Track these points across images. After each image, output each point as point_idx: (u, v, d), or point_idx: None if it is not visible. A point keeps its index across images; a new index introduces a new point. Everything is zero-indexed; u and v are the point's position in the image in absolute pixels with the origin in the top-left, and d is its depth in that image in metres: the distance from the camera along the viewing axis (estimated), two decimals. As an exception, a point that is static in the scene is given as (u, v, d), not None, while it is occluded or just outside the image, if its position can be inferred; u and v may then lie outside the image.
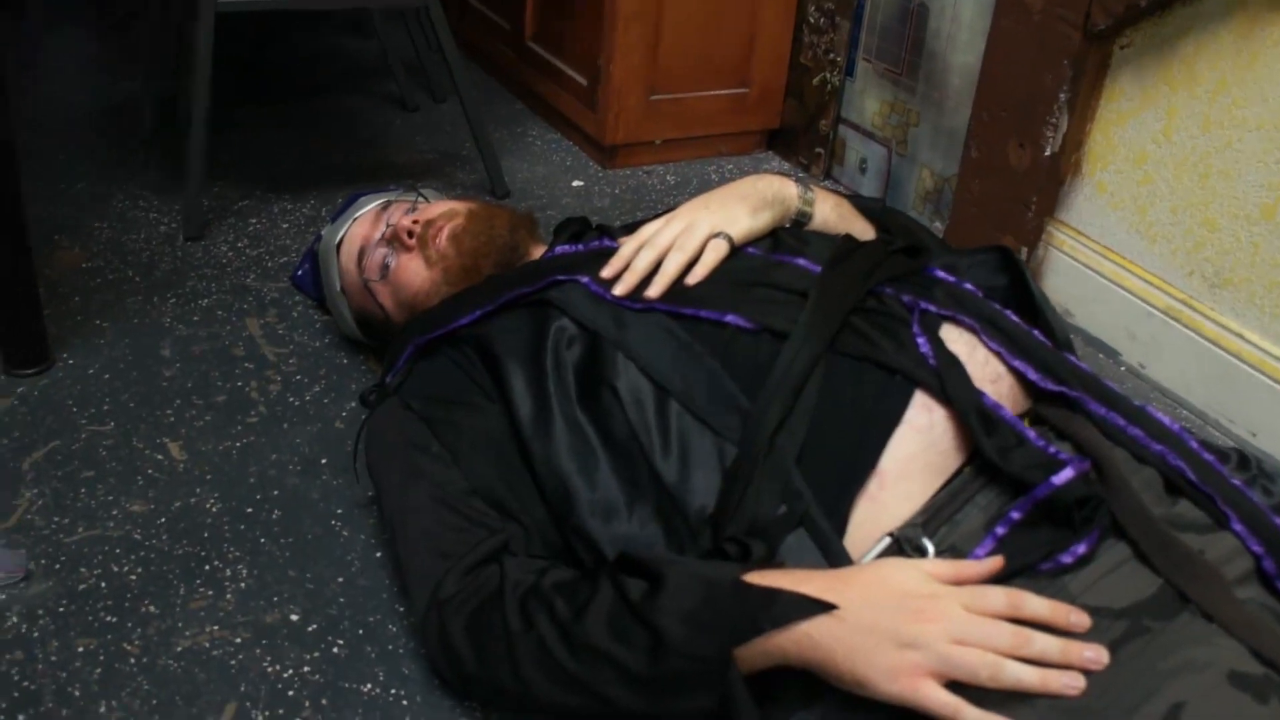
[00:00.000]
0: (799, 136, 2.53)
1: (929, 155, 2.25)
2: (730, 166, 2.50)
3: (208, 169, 1.98)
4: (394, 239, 1.45)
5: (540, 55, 2.57)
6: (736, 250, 1.28)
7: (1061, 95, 1.91)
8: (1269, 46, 1.64)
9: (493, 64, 2.83)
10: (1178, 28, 1.78)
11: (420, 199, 1.55)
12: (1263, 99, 1.66)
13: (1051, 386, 1.13)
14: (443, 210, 1.47)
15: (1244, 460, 1.18)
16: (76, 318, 1.73)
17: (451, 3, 2.93)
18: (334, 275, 1.58)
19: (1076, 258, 1.99)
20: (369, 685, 1.16)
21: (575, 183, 2.35)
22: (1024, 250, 2.03)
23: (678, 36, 2.34)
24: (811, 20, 2.44)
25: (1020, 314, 1.28)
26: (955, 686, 0.92)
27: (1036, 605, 0.94)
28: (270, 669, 1.18)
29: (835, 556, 1.03)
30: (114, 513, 1.37)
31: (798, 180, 1.38)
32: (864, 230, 1.41)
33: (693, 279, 1.24)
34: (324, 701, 1.14)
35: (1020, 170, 2.01)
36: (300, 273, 1.83)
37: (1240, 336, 1.74)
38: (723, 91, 2.45)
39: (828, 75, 2.42)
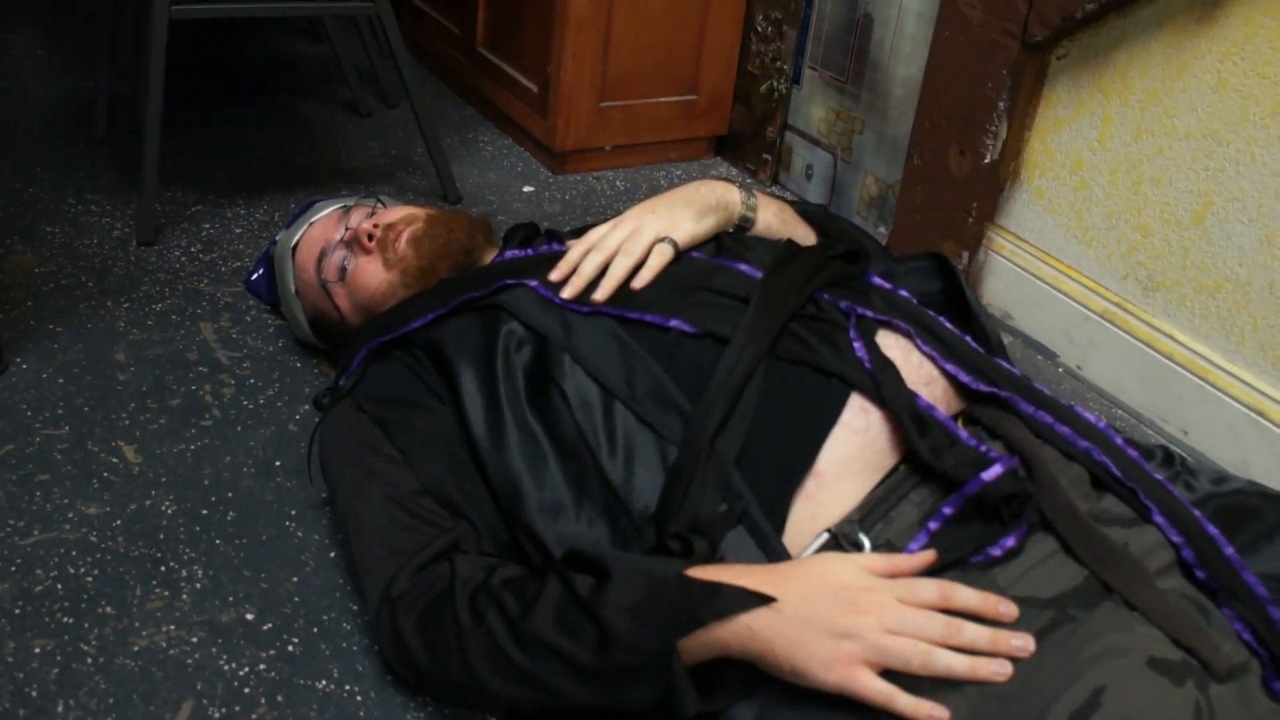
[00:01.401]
0: (746, 142, 2.58)
1: (873, 162, 2.30)
2: (679, 172, 2.54)
3: (160, 173, 1.99)
4: (354, 241, 1.48)
5: (491, 61, 2.60)
6: (681, 254, 1.32)
7: (1000, 104, 1.97)
8: (1197, 57, 1.70)
9: (445, 70, 2.85)
10: (1111, 39, 1.83)
11: (379, 204, 1.58)
12: (1191, 108, 1.72)
13: (983, 388, 1.18)
14: (402, 215, 1.50)
15: (1169, 457, 1.23)
16: (30, 322, 1.74)
17: (404, 8, 2.95)
18: (289, 278, 1.60)
19: (1016, 262, 2.04)
20: (324, 682, 1.19)
21: (526, 188, 2.38)
22: (965, 255, 2.08)
23: (627, 44, 2.38)
24: (759, 29, 2.48)
25: (954, 319, 1.32)
26: (889, 675, 0.96)
27: (966, 596, 0.99)
28: (226, 667, 1.20)
29: (774, 553, 1.07)
30: (70, 515, 1.38)
31: (741, 186, 1.42)
32: (805, 235, 1.45)
33: (638, 283, 1.27)
34: (279, 698, 1.17)
35: (961, 177, 2.06)
36: (254, 277, 1.85)
37: (1171, 338, 1.80)
38: (672, 98, 2.49)
39: (775, 83, 2.47)
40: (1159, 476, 1.14)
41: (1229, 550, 1.08)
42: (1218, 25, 1.68)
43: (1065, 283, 1.96)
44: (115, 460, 1.48)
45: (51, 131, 2.40)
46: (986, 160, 2.01)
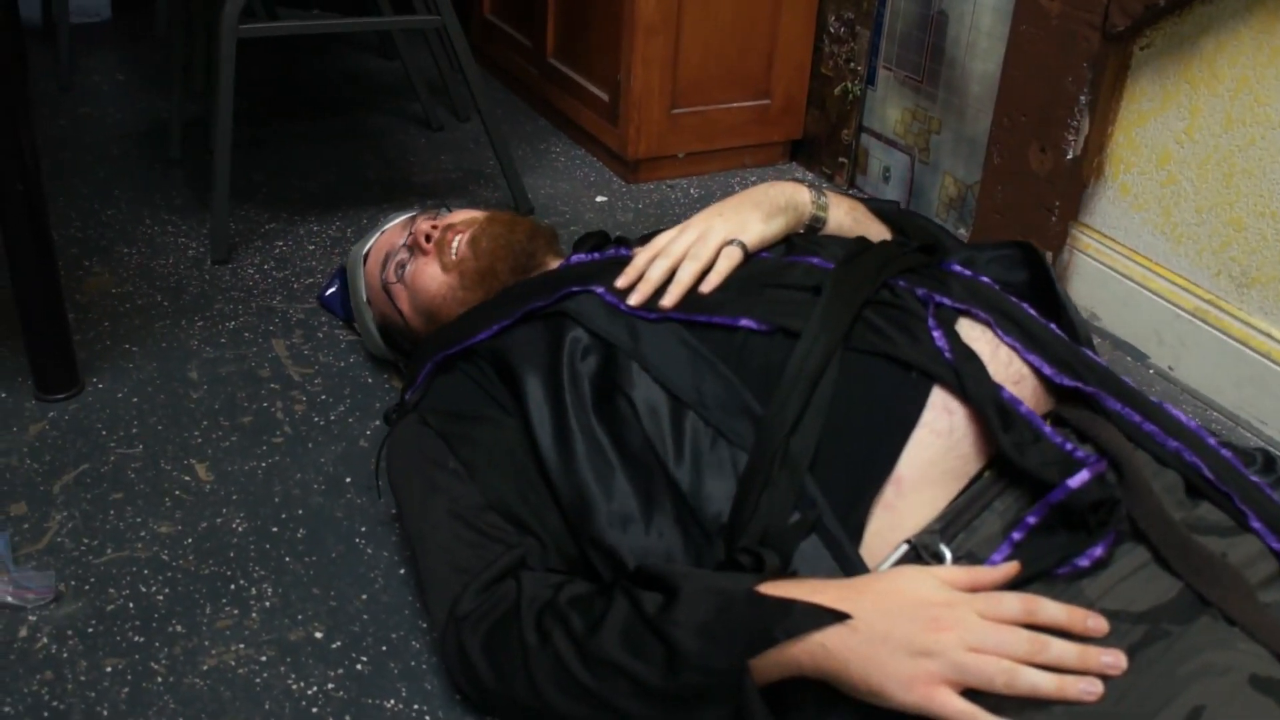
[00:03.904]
0: (822, 146, 2.53)
1: (951, 162, 2.25)
2: (754, 178, 2.50)
3: (234, 192, 2.00)
4: (414, 244, 1.47)
5: (562, 71, 2.58)
6: (750, 257, 1.29)
7: (1082, 98, 1.90)
8: (1288, 45, 1.63)
9: (515, 81, 2.84)
10: (1197, 26, 1.77)
11: (444, 210, 1.57)
12: (1283, 97, 1.65)
13: (1067, 381, 1.13)
14: (464, 218, 1.48)
15: (1270, 461, 1.17)
16: (106, 342, 1.75)
17: (474, 21, 2.95)
18: (360, 285, 1.59)
19: (1102, 261, 1.97)
20: (391, 701, 1.17)
21: (599, 198, 2.36)
22: (1049, 255, 2.02)
23: (698, 49, 2.35)
24: (832, 30, 2.44)
25: (1040, 310, 1.27)
26: (972, 695, 0.91)
27: (1053, 610, 0.94)
28: (294, 686, 1.18)
29: (850, 565, 1.02)
30: (142, 534, 1.38)
31: (811, 185, 1.38)
32: (880, 233, 1.41)
33: (706, 287, 1.24)
34: (347, 718, 1.15)
35: (1042, 175, 2.00)
36: (328, 293, 1.84)
37: (1269, 336, 1.72)
38: (745, 103, 2.46)
39: (849, 84, 2.42)
40: (1257, 480, 1.08)
41: None
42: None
43: (1154, 281, 1.89)
44: (187, 478, 1.48)
45: (128, 153, 2.43)
46: (1069, 157, 1.95)
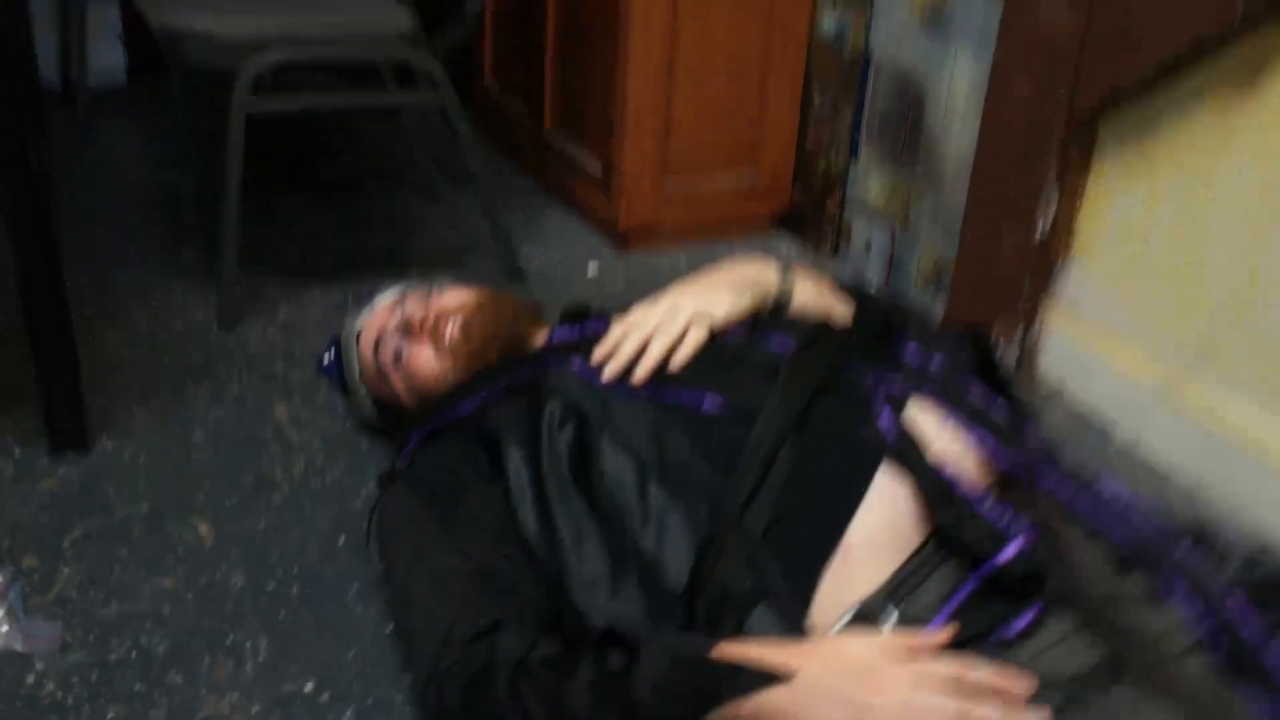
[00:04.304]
0: (808, 218, 2.63)
1: (930, 234, 2.34)
2: (742, 248, 2.60)
3: (240, 258, 2.10)
4: (407, 329, 1.56)
5: (558, 144, 2.69)
6: (717, 333, 1.38)
7: (1050, 177, 2.00)
8: (1241, 129, 1.73)
9: (515, 151, 2.95)
10: (1158, 110, 1.86)
11: (434, 288, 1.66)
12: (1239, 176, 1.74)
13: (1006, 460, 1.21)
14: (454, 302, 1.57)
15: (1202, 535, 1.25)
16: (116, 403, 1.84)
17: (475, 93, 3.07)
18: (354, 362, 1.68)
19: (1069, 335, 2.06)
20: (376, 751, 1.25)
21: (591, 266, 2.45)
22: (1020, 328, 2.11)
23: (687, 124, 2.45)
24: (816, 107, 2.55)
25: (987, 391, 1.36)
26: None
27: (982, 673, 1.02)
28: (284, 736, 1.27)
29: (798, 630, 1.10)
30: (145, 588, 1.47)
31: (779, 263, 1.48)
32: (843, 312, 1.50)
33: (674, 364, 1.33)
34: (333, 766, 1.23)
35: (1014, 250, 2.09)
36: (325, 361, 1.93)
37: (1225, 411, 1.80)
38: (733, 176, 2.56)
39: (833, 158, 2.52)
40: (1184, 554, 1.16)
41: (1249, 631, 1.09)
42: (1260, 94, 1.70)
43: (1118, 356, 1.98)
44: (189, 536, 1.57)
45: (141, 218, 2.54)
46: (1038, 233, 2.04)
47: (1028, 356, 2.14)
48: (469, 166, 2.24)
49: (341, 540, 1.58)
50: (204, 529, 1.58)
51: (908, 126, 2.35)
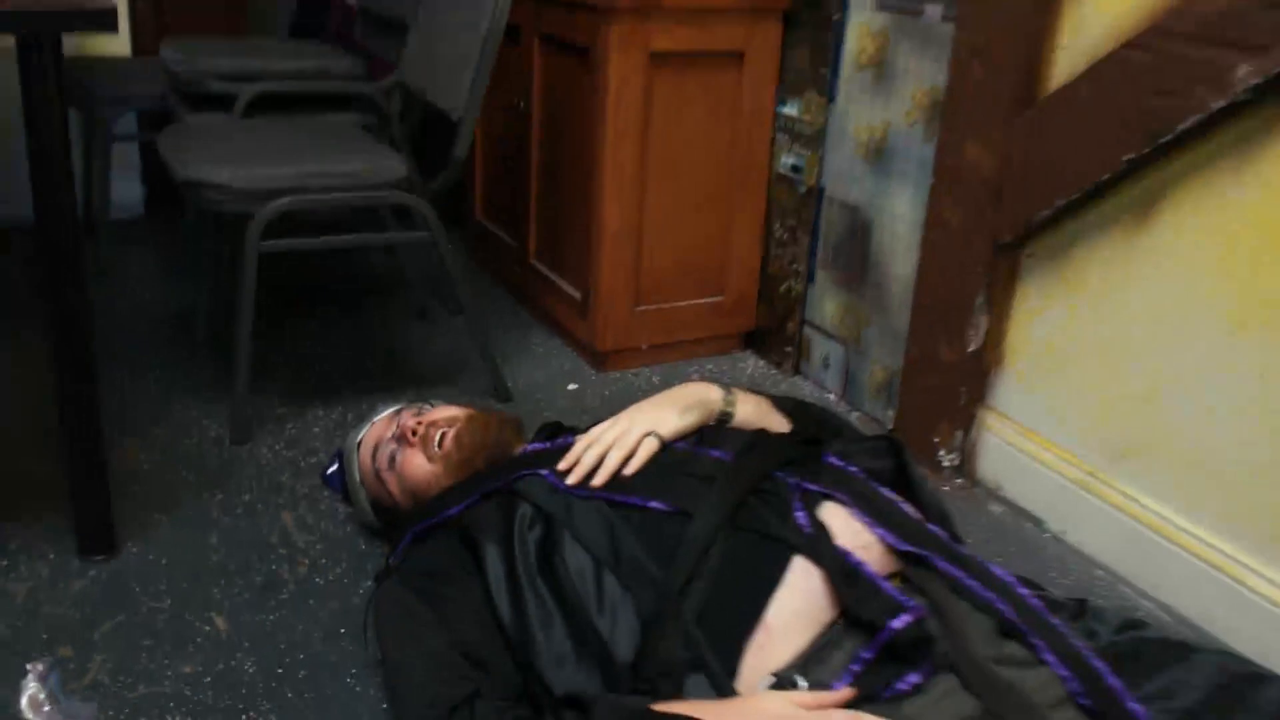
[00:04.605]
0: (771, 337, 2.86)
1: (879, 351, 2.57)
2: (710, 366, 2.83)
3: (253, 378, 2.33)
4: (401, 437, 1.78)
5: (541, 271, 2.94)
6: (667, 445, 1.59)
7: (979, 299, 2.23)
8: (1141, 252, 1.96)
9: (503, 278, 3.20)
10: (1068, 238, 2.10)
11: (426, 406, 1.88)
12: (1143, 293, 1.97)
13: (904, 547, 1.42)
14: (445, 416, 1.80)
15: (1080, 608, 1.45)
16: (139, 510, 2.05)
17: (469, 225, 3.33)
18: (355, 469, 1.90)
19: (1004, 438, 2.28)
20: (370, 808, 1.44)
21: (571, 385, 2.68)
22: (959, 434, 2.33)
23: (658, 253, 2.70)
24: (777, 235, 2.79)
25: (901, 491, 1.57)
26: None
27: (873, 720, 1.22)
28: (291, 797, 1.45)
29: (724, 692, 1.31)
30: (169, 673, 1.66)
31: (721, 386, 1.70)
32: (780, 424, 1.72)
33: (628, 471, 1.54)
34: (333, 821, 1.42)
35: (951, 364, 2.32)
36: (329, 472, 2.14)
37: (1140, 504, 2.01)
38: (701, 300, 2.80)
39: (792, 283, 2.76)
40: (1056, 622, 1.36)
41: (1111, 680, 1.29)
42: (1156, 221, 1.94)
43: (1046, 455, 2.19)
44: (208, 628, 1.77)
45: (159, 335, 2.78)
46: (971, 349, 2.27)
47: (967, 459, 2.35)
48: (456, 295, 2.47)
49: (342, 630, 1.77)
50: (220, 622, 1.78)
51: (857, 254, 2.60)
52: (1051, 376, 2.18)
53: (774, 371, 2.82)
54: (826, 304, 2.72)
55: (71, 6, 1.66)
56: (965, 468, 2.36)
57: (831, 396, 2.71)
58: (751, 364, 2.85)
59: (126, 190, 3.70)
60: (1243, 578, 1.85)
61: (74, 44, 3.48)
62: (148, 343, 2.75)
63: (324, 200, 2.25)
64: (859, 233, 2.58)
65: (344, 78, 3.07)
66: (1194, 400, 1.91)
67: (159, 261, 3.33)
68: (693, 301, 2.79)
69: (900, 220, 2.46)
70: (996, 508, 2.26)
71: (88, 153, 3.37)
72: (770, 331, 2.86)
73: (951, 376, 2.32)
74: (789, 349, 2.81)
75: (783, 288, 2.79)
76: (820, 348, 2.75)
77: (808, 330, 2.78)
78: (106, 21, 1.64)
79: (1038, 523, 2.20)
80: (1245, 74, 1.74)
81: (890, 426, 2.50)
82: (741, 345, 2.92)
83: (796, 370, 2.82)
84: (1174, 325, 1.93)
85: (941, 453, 2.36)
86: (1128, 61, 1.91)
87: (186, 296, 3.03)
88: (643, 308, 2.72)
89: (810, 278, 2.75)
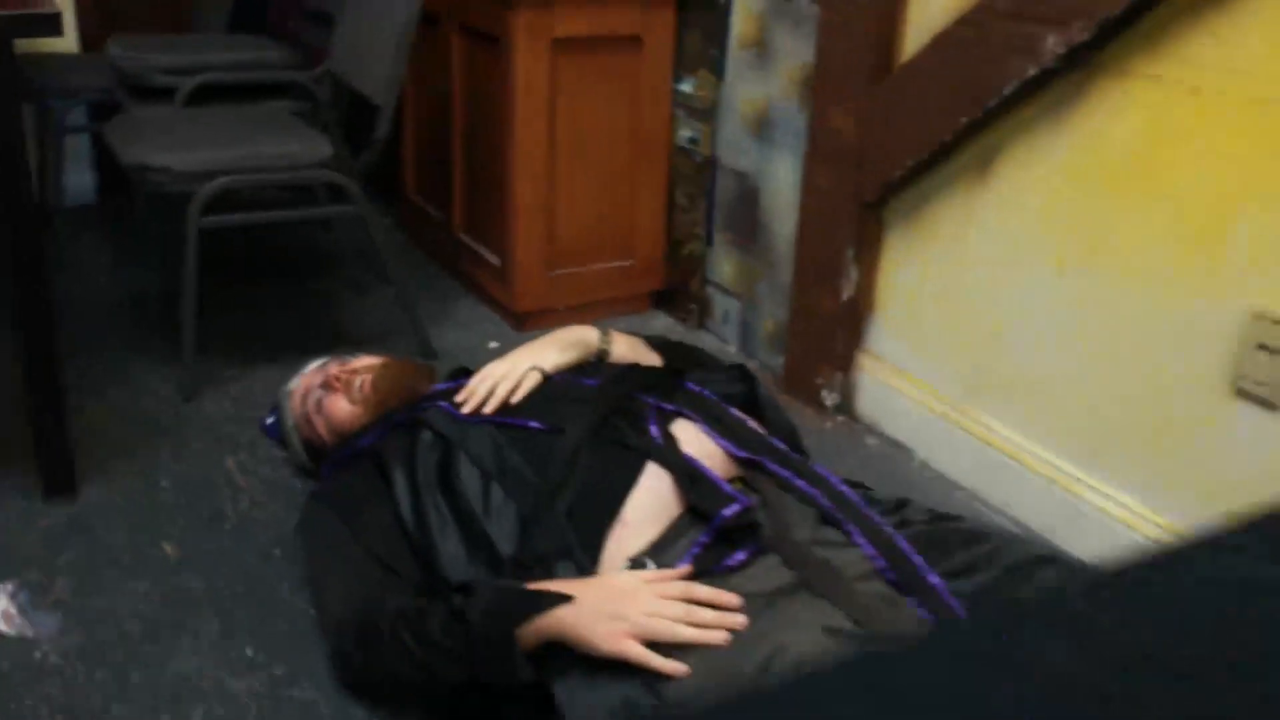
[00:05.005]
0: (677, 296, 3.12)
1: (769, 306, 2.84)
2: (623, 325, 3.08)
3: (200, 346, 2.57)
4: (326, 384, 2.04)
5: (465, 241, 3.19)
6: (549, 378, 1.85)
7: (849, 252, 2.50)
8: (981, 205, 2.24)
9: (432, 249, 3.45)
10: (920, 195, 2.37)
11: (349, 357, 2.13)
12: (984, 243, 2.24)
13: (741, 454, 1.68)
14: (364, 364, 2.05)
15: (899, 504, 1.72)
16: (98, 459, 2.29)
17: (401, 202, 3.57)
18: (287, 414, 2.15)
19: (878, 377, 2.55)
20: (299, 690, 1.70)
21: (492, 344, 2.93)
22: (839, 375, 2.60)
23: (570, 222, 2.95)
24: (679, 202, 3.05)
25: (752, 412, 1.83)
26: (651, 645, 1.45)
27: (702, 591, 1.48)
28: (229, 684, 1.71)
29: (587, 575, 1.57)
30: (124, 591, 1.91)
31: (600, 328, 1.96)
32: (652, 359, 1.98)
33: (514, 400, 1.80)
34: (267, 708, 1.67)
35: (829, 314, 2.58)
36: (267, 422, 2.39)
37: (993, 430, 2.29)
38: (612, 264, 3.05)
39: (694, 246, 3.02)
40: (869, 513, 1.63)
41: (915, 558, 1.55)
42: (989, 180, 2.21)
43: (912, 391, 2.46)
44: (159, 554, 2.02)
45: (113, 314, 3.01)
46: (844, 298, 2.54)
47: (846, 398, 2.62)
48: (383, 265, 2.72)
49: (278, 552, 2.03)
50: (170, 549, 2.03)
51: (748, 217, 2.86)
52: (913, 320, 2.46)
53: (680, 327, 3.08)
54: (724, 264, 2.98)
55: (22, 11, 1.90)
56: (846, 406, 2.63)
57: (731, 348, 2.97)
58: (660, 321, 3.11)
59: (78, 179, 3.91)
60: (1076, 489, 2.13)
61: (24, 41, 3.68)
62: (104, 320, 2.99)
63: (256, 180, 2.49)
64: (748, 198, 2.84)
65: (280, 68, 3.31)
66: (1030, 334, 2.18)
67: (111, 245, 3.56)
68: (604, 265, 3.05)
69: (783, 185, 2.72)
70: (872, 440, 2.54)
71: (41, 144, 3.58)
72: (676, 291, 3.12)
73: (829, 324, 2.59)
74: (693, 306, 3.07)
75: (685, 250, 3.05)
76: (720, 304, 3.01)
77: (709, 289, 3.05)
78: (53, 26, 1.88)
79: (908, 452, 2.47)
80: (1053, 44, 2.01)
81: (781, 373, 2.76)
82: (651, 304, 3.18)
83: (701, 325, 3.08)
84: (1010, 269, 2.20)
85: (824, 393, 2.63)
86: (961, 37, 2.18)
87: (139, 276, 3.27)
88: (557, 272, 2.98)
89: (709, 240, 3.01)
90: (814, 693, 0.37)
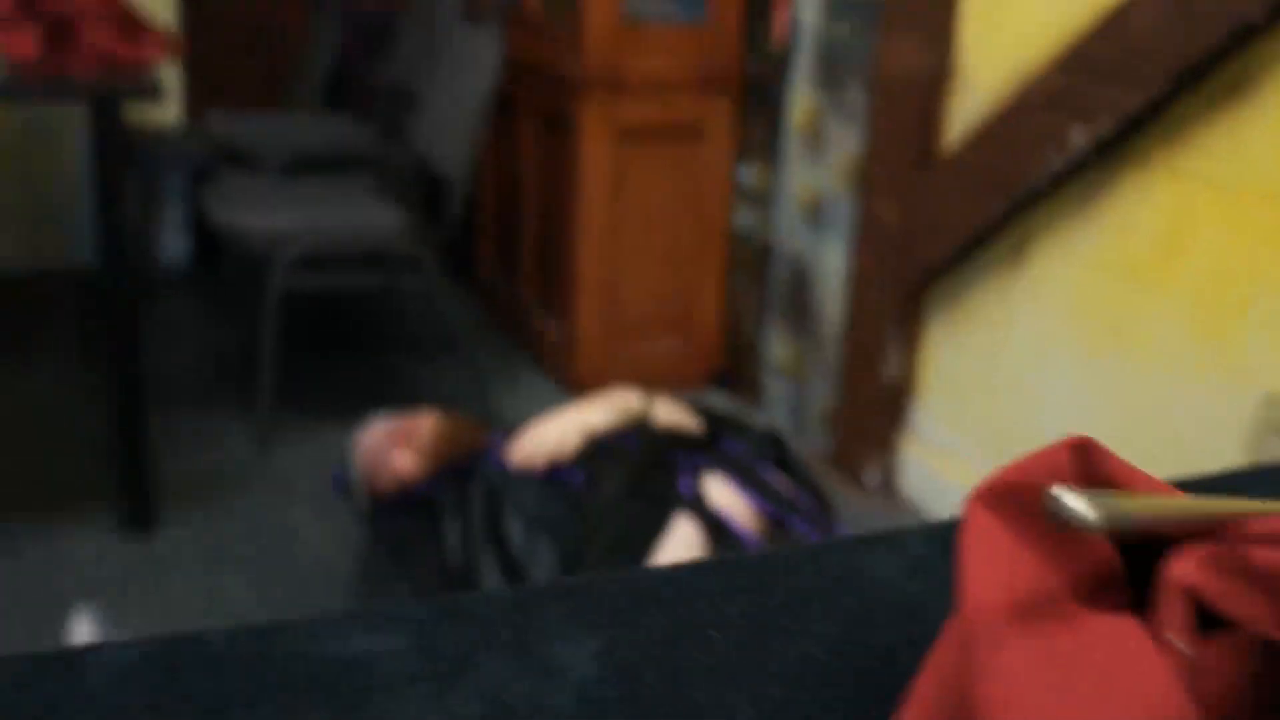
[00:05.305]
0: (732, 376, 3.24)
1: (821, 388, 2.94)
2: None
3: (278, 403, 2.74)
4: (391, 436, 2.18)
5: (532, 314, 3.34)
6: (594, 436, 1.97)
7: (891, 336, 2.60)
8: (1016, 292, 2.34)
9: (503, 323, 3.61)
10: (959, 282, 2.47)
11: (414, 413, 2.28)
12: (1017, 328, 2.34)
13: (768, 509, 1.79)
14: (427, 419, 2.19)
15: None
16: (176, 501, 2.45)
17: (475, 273, 3.74)
18: (354, 464, 2.29)
19: (920, 457, 2.63)
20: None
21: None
22: (882, 455, 2.68)
23: (633, 302, 3.09)
24: (735, 285, 3.18)
25: (780, 471, 1.94)
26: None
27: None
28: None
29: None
30: (195, 623, 2.04)
31: (644, 393, 2.09)
32: (692, 423, 2.09)
33: (560, 456, 1.93)
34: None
35: (872, 396, 2.68)
36: (337, 473, 2.54)
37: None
38: (669, 342, 3.18)
39: (749, 328, 3.14)
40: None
41: None
42: (1024, 268, 2.31)
43: (951, 470, 2.54)
44: (227, 593, 2.15)
45: (200, 370, 3.21)
46: (886, 380, 2.64)
47: (889, 477, 2.71)
48: (449, 333, 2.88)
49: (338, 597, 2.16)
50: (238, 588, 2.17)
51: (800, 301, 2.98)
52: (953, 402, 2.55)
53: (738, 406, 3.19)
54: (777, 346, 3.09)
55: (129, 82, 2.10)
56: (889, 486, 2.71)
57: (786, 428, 3.07)
58: (716, 401, 3.22)
59: (175, 244, 4.13)
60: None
61: (131, 111, 3.94)
62: (190, 375, 3.18)
63: (333, 244, 2.67)
64: (801, 283, 2.96)
65: (364, 144, 3.51)
66: (1061, 418, 2.27)
67: (202, 307, 3.77)
68: (662, 344, 3.18)
69: (833, 270, 2.83)
70: (912, 520, 2.61)
71: (144, 210, 3.81)
72: (733, 371, 3.24)
73: (873, 406, 2.69)
74: (748, 387, 3.18)
75: (742, 332, 3.17)
76: (773, 385, 3.12)
77: (763, 370, 3.16)
78: (154, 92, 2.07)
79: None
80: (1079, 136, 2.12)
81: (831, 453, 2.86)
82: (708, 384, 3.29)
83: (756, 404, 3.18)
84: (1043, 353, 2.30)
85: (867, 473, 2.72)
86: (996, 130, 2.30)
87: (225, 336, 3.47)
88: (618, 348, 3.11)
89: (764, 323, 3.13)
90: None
